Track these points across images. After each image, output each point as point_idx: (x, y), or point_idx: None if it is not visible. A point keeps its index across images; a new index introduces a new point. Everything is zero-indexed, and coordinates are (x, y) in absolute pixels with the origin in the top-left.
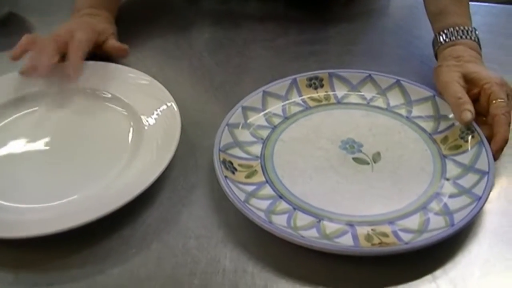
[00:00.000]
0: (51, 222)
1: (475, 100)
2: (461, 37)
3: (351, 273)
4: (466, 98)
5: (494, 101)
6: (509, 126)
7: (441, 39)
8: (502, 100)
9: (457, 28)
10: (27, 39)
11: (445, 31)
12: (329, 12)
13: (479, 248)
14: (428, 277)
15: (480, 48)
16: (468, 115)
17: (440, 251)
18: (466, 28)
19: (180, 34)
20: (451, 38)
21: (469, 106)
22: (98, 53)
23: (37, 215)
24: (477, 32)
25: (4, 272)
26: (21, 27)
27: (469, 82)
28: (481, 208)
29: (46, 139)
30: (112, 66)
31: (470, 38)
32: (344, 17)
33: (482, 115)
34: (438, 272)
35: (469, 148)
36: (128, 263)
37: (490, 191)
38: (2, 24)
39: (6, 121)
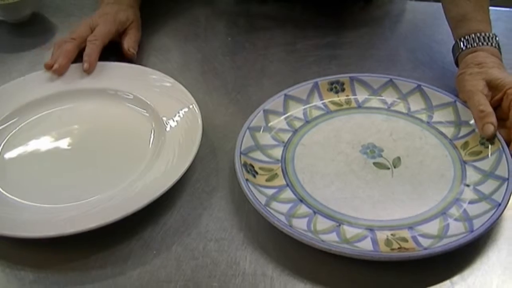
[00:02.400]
0: (72, 223)
1: (497, 105)
2: (482, 43)
3: (370, 278)
4: (488, 109)
5: None
6: None
7: (462, 46)
8: None
9: (478, 34)
10: (58, 47)
11: (467, 37)
12: (348, 15)
13: (498, 255)
14: (446, 283)
15: (501, 53)
16: (491, 128)
17: (459, 257)
18: (487, 34)
19: (202, 37)
20: (473, 45)
21: (492, 118)
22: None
23: (58, 215)
24: (497, 38)
25: (25, 271)
26: (45, 27)
27: (493, 88)
28: (501, 214)
29: (68, 139)
30: (135, 67)
31: (492, 44)
32: (363, 21)
33: (503, 120)
34: (456, 278)
35: (490, 154)
36: (148, 265)
37: (510, 197)
38: (26, 24)
39: (29, 120)
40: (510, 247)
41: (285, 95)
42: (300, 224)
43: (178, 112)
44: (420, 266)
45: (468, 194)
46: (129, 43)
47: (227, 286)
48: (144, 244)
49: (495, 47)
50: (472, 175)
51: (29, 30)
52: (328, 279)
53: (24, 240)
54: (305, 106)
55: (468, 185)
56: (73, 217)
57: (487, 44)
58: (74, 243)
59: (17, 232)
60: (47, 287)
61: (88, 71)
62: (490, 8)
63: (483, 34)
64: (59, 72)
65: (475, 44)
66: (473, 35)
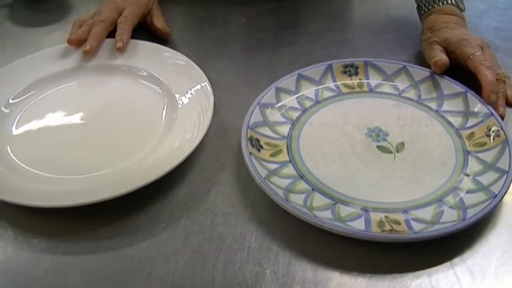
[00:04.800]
0: (84, 194)
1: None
2: (437, 4)
3: (372, 258)
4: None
5: (470, 56)
6: (491, 70)
7: (421, 11)
8: (478, 54)
9: None
10: (77, 26)
11: (423, 1)
12: (360, 0)
13: (498, 239)
14: (447, 264)
15: (460, 8)
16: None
17: (459, 240)
18: None
19: (216, 17)
20: (428, 8)
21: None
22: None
23: (71, 186)
24: None
25: (38, 240)
26: (60, 4)
27: (445, 48)
28: (495, 206)
29: (82, 113)
30: (149, 45)
31: (447, 2)
32: (376, 5)
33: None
34: (456, 260)
35: (493, 146)
36: (157, 237)
37: (507, 190)
38: (43, 1)
39: (44, 94)
40: (510, 232)
41: (299, 74)
42: (297, 200)
43: (191, 90)
44: (421, 248)
45: (467, 183)
46: (159, 22)
47: (232, 260)
48: (153, 217)
49: (451, 3)
50: (473, 166)
51: (45, 6)
52: (332, 257)
53: (37, 209)
54: (318, 87)
55: (468, 175)
56: (85, 189)
57: (442, 3)
58: (86, 214)
59: (30, 201)
60: (59, 255)
61: (121, 50)
62: None
63: None
64: (90, 53)
65: (430, 7)
66: None
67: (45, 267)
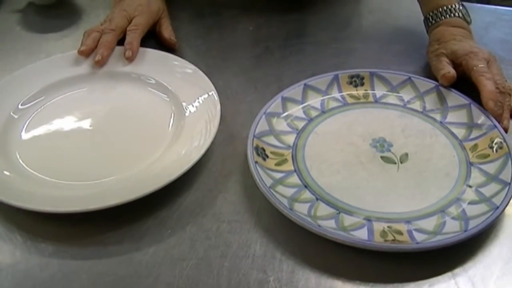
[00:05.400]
0: (92, 200)
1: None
2: (444, 17)
3: (373, 267)
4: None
5: (474, 68)
6: (491, 82)
7: (428, 23)
8: (482, 66)
9: (440, 9)
10: (89, 37)
11: (431, 13)
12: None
13: (500, 250)
14: (448, 274)
15: (467, 21)
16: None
17: (461, 250)
18: (449, 6)
19: (225, 25)
20: (436, 20)
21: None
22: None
23: (79, 192)
24: (461, 8)
25: (46, 244)
26: (71, 10)
27: (452, 61)
28: (497, 217)
29: (91, 120)
30: (158, 53)
31: (454, 15)
32: (383, 16)
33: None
34: (457, 270)
35: (496, 158)
36: (163, 243)
37: (509, 201)
38: (53, 6)
39: (54, 100)
40: (511, 243)
41: (305, 84)
42: (301, 209)
43: (198, 98)
44: (423, 258)
45: (469, 195)
46: (167, 32)
47: (237, 267)
48: (160, 223)
49: (459, 16)
50: (476, 177)
51: (56, 12)
52: (335, 266)
53: (45, 214)
54: (324, 97)
55: (470, 186)
56: (94, 195)
57: (449, 16)
58: (93, 219)
59: (38, 207)
60: (66, 260)
61: (131, 59)
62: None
63: (444, 7)
64: (102, 63)
65: (438, 19)
66: (435, 11)
67: (52, 271)
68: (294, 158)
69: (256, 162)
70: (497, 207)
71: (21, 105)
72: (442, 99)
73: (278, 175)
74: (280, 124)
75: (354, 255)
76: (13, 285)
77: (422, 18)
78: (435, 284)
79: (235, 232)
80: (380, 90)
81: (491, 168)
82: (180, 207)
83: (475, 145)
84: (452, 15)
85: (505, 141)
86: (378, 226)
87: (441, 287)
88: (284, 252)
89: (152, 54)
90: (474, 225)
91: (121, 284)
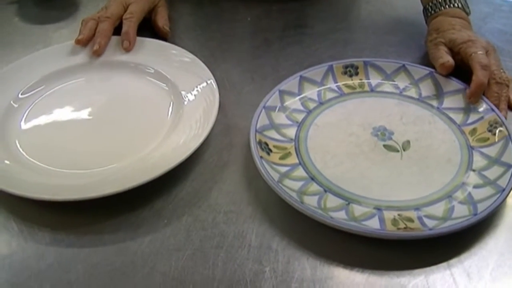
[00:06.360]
0: (88, 188)
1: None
2: (444, 7)
3: (370, 255)
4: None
5: (471, 55)
6: (485, 71)
7: (427, 13)
8: (480, 52)
9: None
10: (86, 26)
11: (430, 3)
12: (366, 1)
13: (496, 241)
14: (444, 264)
15: (466, 11)
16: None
17: (457, 241)
18: None
19: (223, 16)
20: (435, 10)
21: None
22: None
23: (77, 180)
24: None
25: (42, 233)
26: (68, 0)
27: (451, 49)
28: (504, 199)
29: (89, 109)
30: (156, 42)
31: (453, 5)
32: (381, 6)
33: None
34: (453, 261)
35: (496, 141)
36: (159, 233)
37: None
38: None
39: (53, 89)
40: (508, 235)
41: (301, 76)
42: (311, 201)
43: (197, 87)
44: (419, 247)
45: (474, 178)
46: (161, 21)
47: (233, 257)
48: (156, 213)
49: (458, 6)
50: (478, 161)
51: (53, 3)
52: (331, 256)
53: (41, 203)
54: (320, 88)
55: (474, 170)
56: (90, 183)
57: (449, 6)
58: (90, 208)
59: (35, 195)
60: (63, 248)
61: (128, 49)
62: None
63: None
64: (100, 52)
65: (437, 9)
66: (435, 1)
67: (49, 261)
68: (297, 151)
69: (261, 157)
70: (503, 189)
71: (21, 94)
72: (437, 85)
73: (284, 169)
74: (280, 117)
75: (350, 244)
76: (9, 276)
77: (420, 8)
78: (431, 274)
79: (231, 222)
80: (375, 79)
81: (491, 151)
82: (176, 198)
83: (474, 129)
84: (451, 5)
85: (503, 124)
86: (389, 215)
87: (437, 277)
88: (279, 243)
89: (150, 43)
90: (483, 208)
91: (116, 274)
